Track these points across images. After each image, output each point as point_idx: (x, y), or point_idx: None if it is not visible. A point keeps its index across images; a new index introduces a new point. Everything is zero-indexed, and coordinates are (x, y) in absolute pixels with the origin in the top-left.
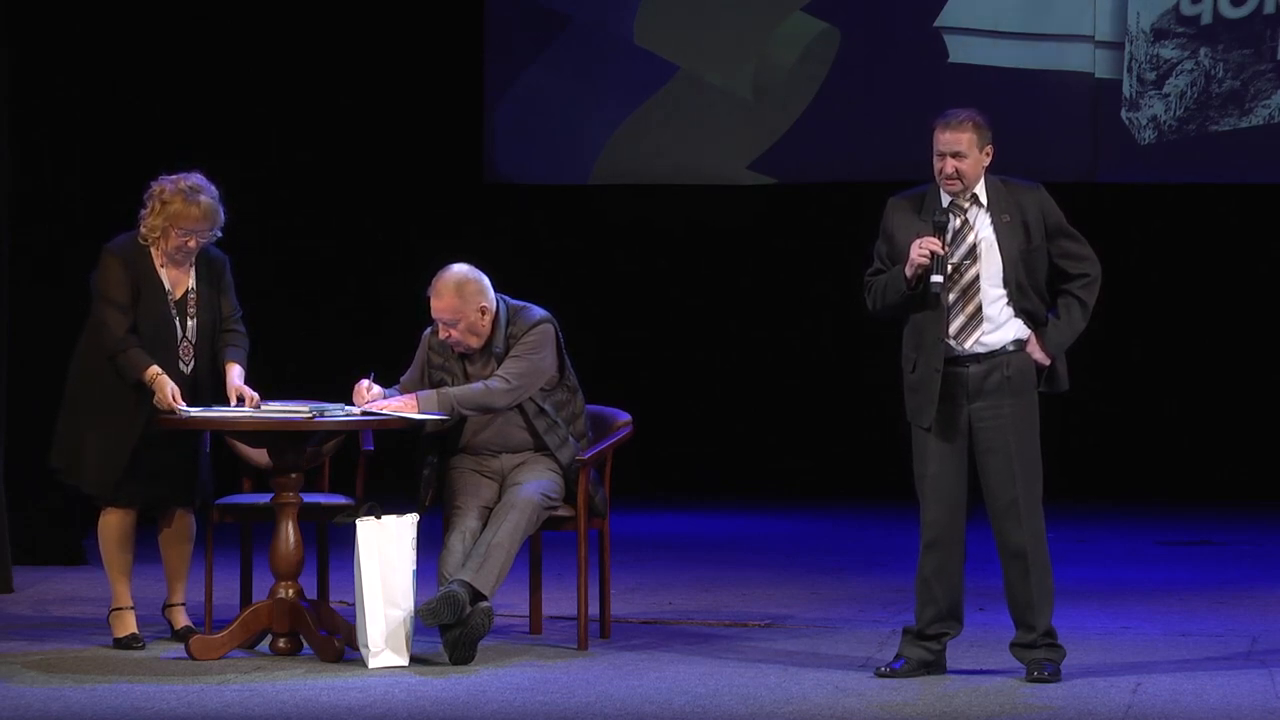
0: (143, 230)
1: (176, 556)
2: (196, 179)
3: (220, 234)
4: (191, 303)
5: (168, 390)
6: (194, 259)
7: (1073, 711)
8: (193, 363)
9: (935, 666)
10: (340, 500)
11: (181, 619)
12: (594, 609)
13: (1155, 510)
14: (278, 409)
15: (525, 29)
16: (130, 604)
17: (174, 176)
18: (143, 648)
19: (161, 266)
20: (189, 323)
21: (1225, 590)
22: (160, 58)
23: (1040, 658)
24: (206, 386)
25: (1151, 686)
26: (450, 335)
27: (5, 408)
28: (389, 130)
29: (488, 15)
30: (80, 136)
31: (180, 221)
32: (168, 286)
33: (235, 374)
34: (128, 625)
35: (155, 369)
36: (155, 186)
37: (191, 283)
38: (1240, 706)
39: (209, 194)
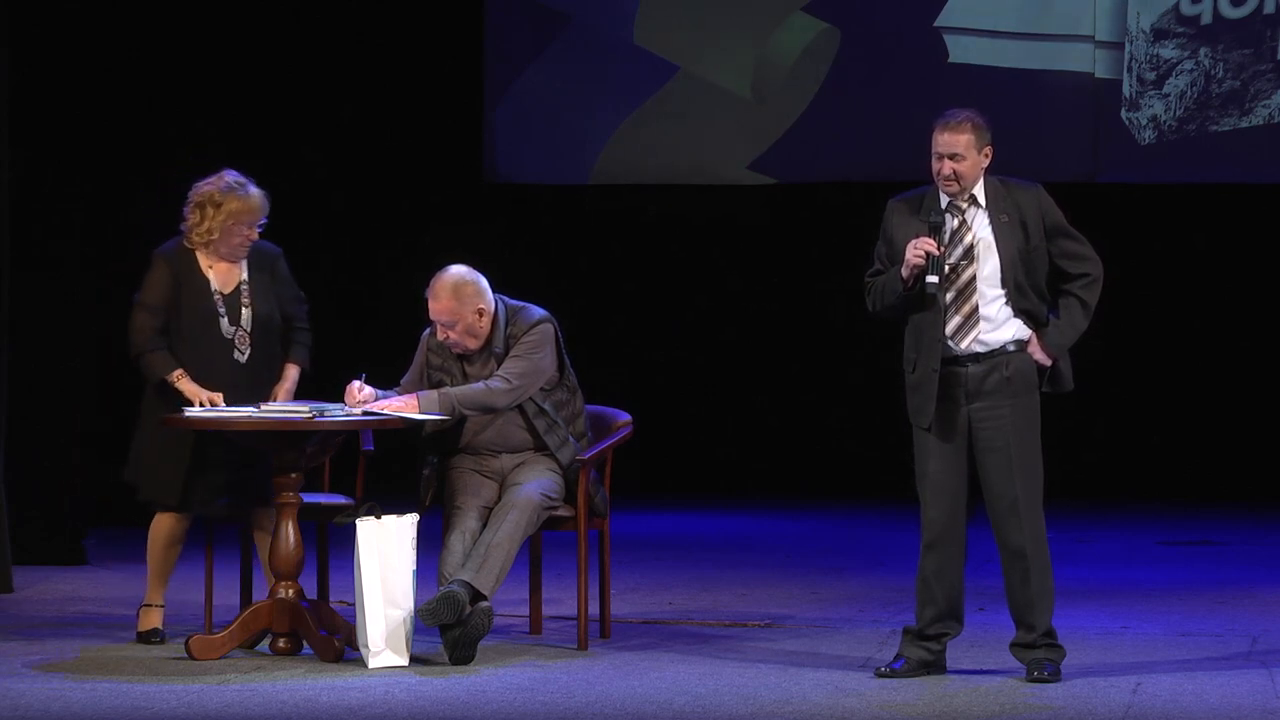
0: (194, 236)
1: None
2: (235, 174)
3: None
4: (245, 294)
5: (196, 389)
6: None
7: (1073, 711)
8: (249, 351)
9: (935, 666)
10: (340, 500)
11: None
12: (594, 609)
13: (1155, 510)
14: (278, 409)
15: (525, 29)
16: (160, 602)
17: (210, 179)
18: (161, 643)
19: (209, 267)
20: (243, 313)
21: (1225, 590)
22: (159, 57)
23: (1040, 658)
24: (265, 378)
25: (1152, 686)
26: (448, 337)
27: (5, 408)
28: (389, 130)
29: (488, 15)
30: (80, 137)
31: (243, 217)
32: (215, 285)
33: (290, 377)
34: (151, 621)
35: (180, 372)
36: (199, 193)
37: (244, 275)
38: (1240, 706)
39: (253, 184)
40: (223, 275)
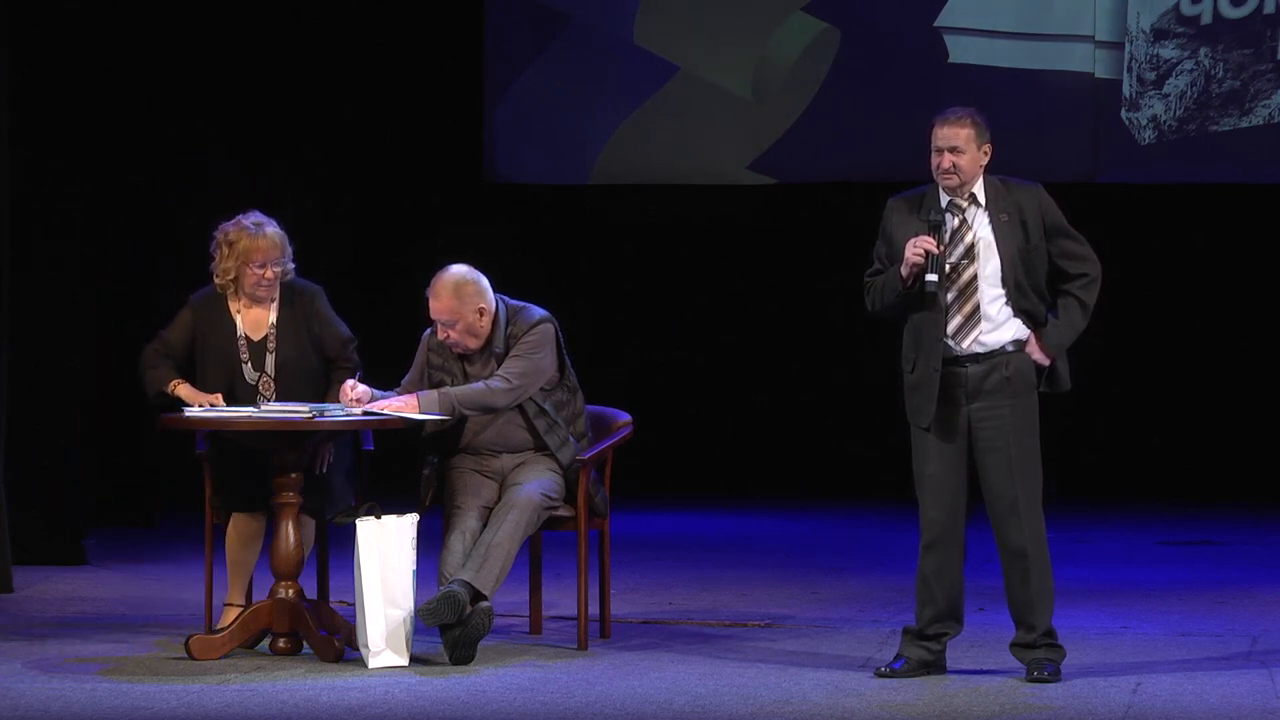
0: (216, 279)
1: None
2: (257, 215)
3: (293, 264)
4: (271, 340)
5: (194, 392)
6: (276, 294)
7: (1073, 711)
8: (273, 398)
9: (935, 666)
10: None
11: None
12: (594, 609)
13: (1155, 510)
14: (278, 409)
15: (525, 29)
16: (240, 602)
17: (234, 219)
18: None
19: (238, 312)
20: (267, 358)
21: (1225, 590)
22: (159, 57)
23: (1040, 658)
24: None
25: (1151, 686)
26: (449, 336)
27: (5, 408)
28: (389, 130)
29: (488, 15)
30: (80, 137)
31: (251, 256)
32: (241, 330)
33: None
34: (226, 622)
35: (177, 381)
36: (219, 234)
37: (272, 319)
38: (1240, 706)
39: (272, 225)
40: (252, 319)
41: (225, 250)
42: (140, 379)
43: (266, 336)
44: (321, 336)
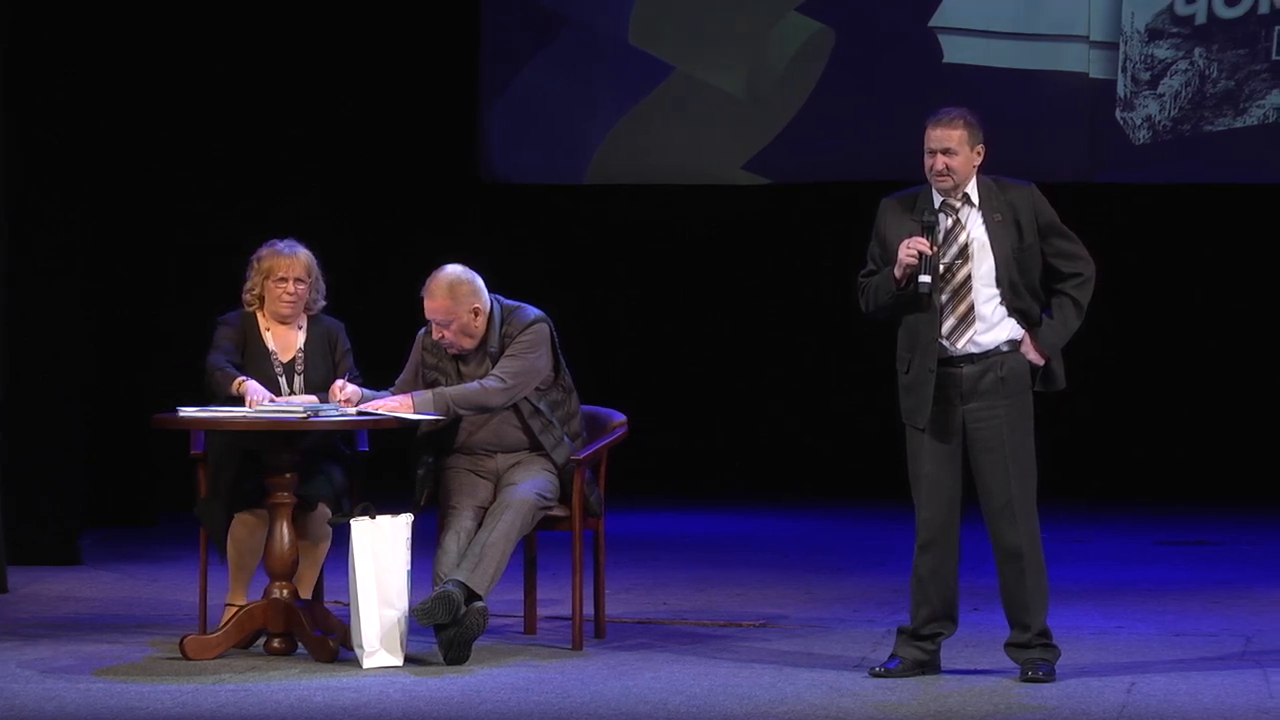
0: (245, 297)
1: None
2: (292, 240)
3: (325, 301)
4: (299, 362)
5: (250, 390)
6: (302, 318)
7: (1067, 711)
8: None
9: (930, 666)
10: None
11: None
12: (589, 609)
13: (1153, 510)
14: (272, 408)
15: (521, 29)
16: (239, 603)
17: (270, 241)
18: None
19: (266, 330)
20: (295, 379)
21: (1221, 590)
22: (158, 57)
23: (1035, 657)
24: (315, 442)
25: (1146, 686)
26: (444, 336)
27: (5, 408)
28: (386, 130)
29: (484, 15)
30: (80, 137)
31: (275, 270)
32: (272, 348)
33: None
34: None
35: (242, 379)
36: (253, 256)
37: (300, 344)
38: (1235, 706)
39: (303, 249)
40: (281, 339)
41: (255, 266)
42: (209, 386)
43: (295, 359)
44: (337, 364)
